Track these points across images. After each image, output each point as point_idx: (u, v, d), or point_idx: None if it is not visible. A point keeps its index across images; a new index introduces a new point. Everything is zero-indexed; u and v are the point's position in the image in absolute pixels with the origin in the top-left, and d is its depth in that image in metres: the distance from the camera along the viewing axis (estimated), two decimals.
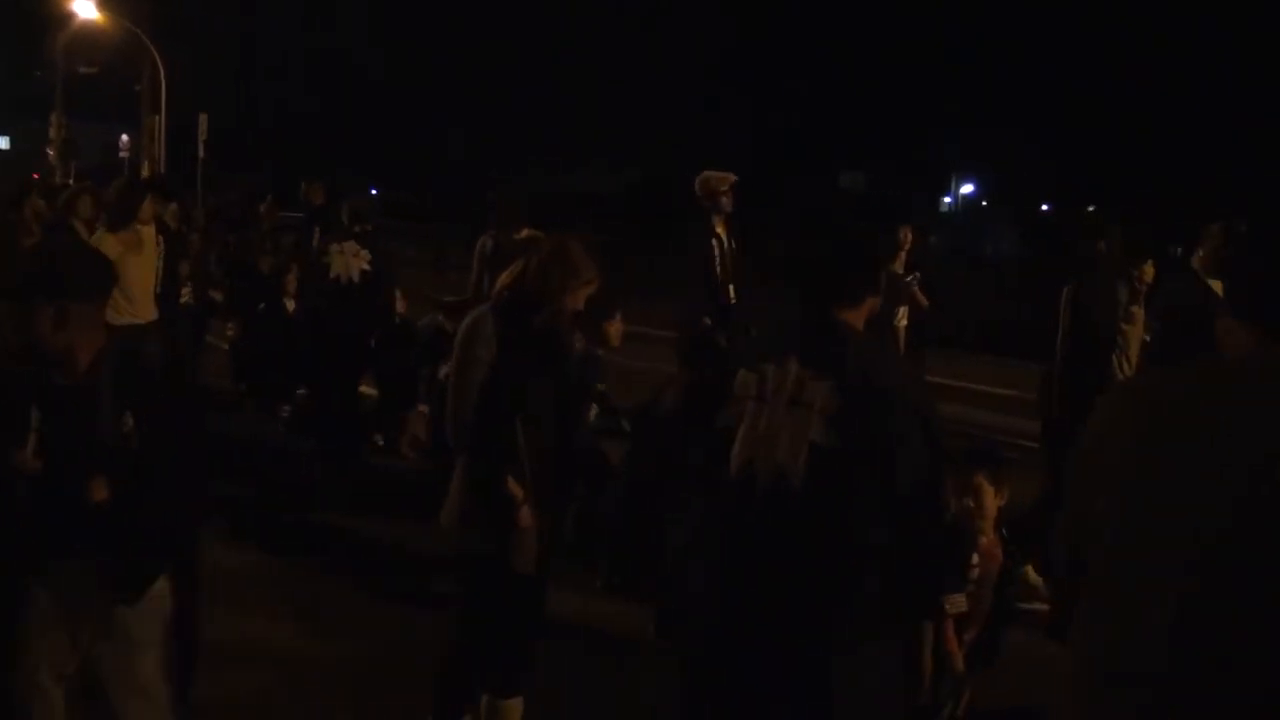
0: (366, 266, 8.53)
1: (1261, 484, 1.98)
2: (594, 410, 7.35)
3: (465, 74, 72.66)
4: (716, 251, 8.51)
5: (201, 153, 32.30)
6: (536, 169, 55.84)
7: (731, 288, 8.57)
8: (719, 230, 8.58)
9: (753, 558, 3.04)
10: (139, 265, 8.27)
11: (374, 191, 36.56)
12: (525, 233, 7.60)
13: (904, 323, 9.26)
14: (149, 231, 8.47)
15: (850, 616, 2.96)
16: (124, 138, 39.60)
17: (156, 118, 34.01)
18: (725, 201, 8.57)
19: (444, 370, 7.32)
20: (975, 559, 4.43)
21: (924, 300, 9.65)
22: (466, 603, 4.29)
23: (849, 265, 3.21)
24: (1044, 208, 72.65)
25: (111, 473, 3.08)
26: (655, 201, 40.94)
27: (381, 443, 9.28)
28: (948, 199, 74.68)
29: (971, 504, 4.51)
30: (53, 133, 40.61)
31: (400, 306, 9.51)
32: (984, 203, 75.79)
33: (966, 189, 75.33)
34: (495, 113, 69.62)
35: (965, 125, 69.02)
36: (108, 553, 3.16)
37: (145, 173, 34.04)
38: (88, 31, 37.58)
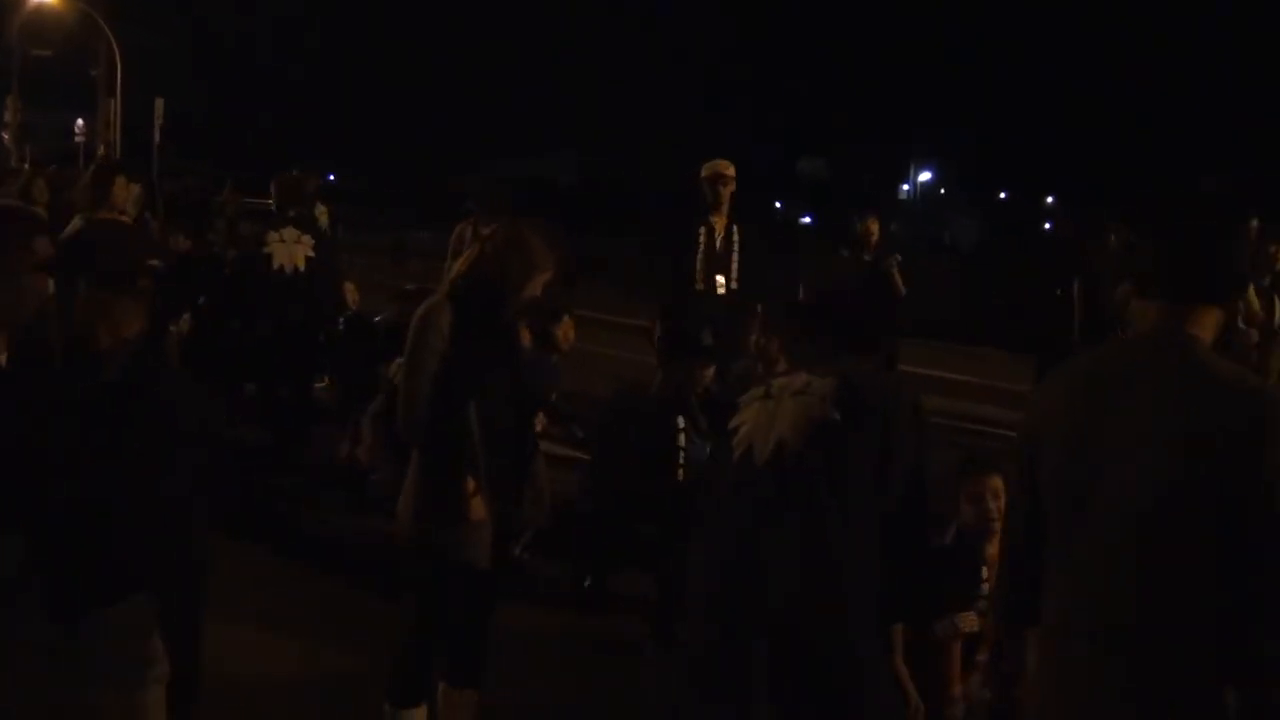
0: (311, 253, 8.03)
1: (1187, 458, 2.17)
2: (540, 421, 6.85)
3: (464, 71, 72.27)
4: (703, 241, 8.30)
5: (157, 138, 31.88)
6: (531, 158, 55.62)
7: (720, 279, 8.29)
8: (713, 220, 8.35)
9: (754, 533, 3.12)
10: None
11: (331, 177, 36.16)
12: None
13: None
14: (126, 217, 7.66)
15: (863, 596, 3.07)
16: (79, 122, 38.90)
17: (112, 102, 33.55)
18: (724, 191, 8.36)
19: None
20: (985, 573, 4.33)
21: (901, 288, 9.58)
22: (421, 595, 4.20)
23: (865, 321, 3.55)
24: (1002, 195, 73.20)
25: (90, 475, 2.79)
26: (615, 190, 40.93)
27: (348, 446, 8.57)
28: (906, 187, 75.04)
29: (992, 507, 4.38)
30: (8, 116, 40.04)
31: (352, 298, 9.14)
32: (942, 190, 76.21)
33: (925, 177, 75.73)
34: (494, 109, 69.26)
35: (925, 113, 69.37)
36: (57, 562, 2.82)
37: (101, 156, 33.62)
38: (42, 14, 37.05)
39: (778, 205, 51.82)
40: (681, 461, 5.52)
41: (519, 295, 4.12)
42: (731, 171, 8.40)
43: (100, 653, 2.83)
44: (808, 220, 46.26)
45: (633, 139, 57.88)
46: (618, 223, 27.69)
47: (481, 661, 4.23)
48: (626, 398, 6.12)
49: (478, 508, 3.98)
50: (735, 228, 8.40)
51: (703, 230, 8.27)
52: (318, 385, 9.19)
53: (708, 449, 4.98)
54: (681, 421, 5.56)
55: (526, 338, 6.18)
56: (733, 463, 3.23)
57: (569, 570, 6.18)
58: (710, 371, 5.74)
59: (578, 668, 5.40)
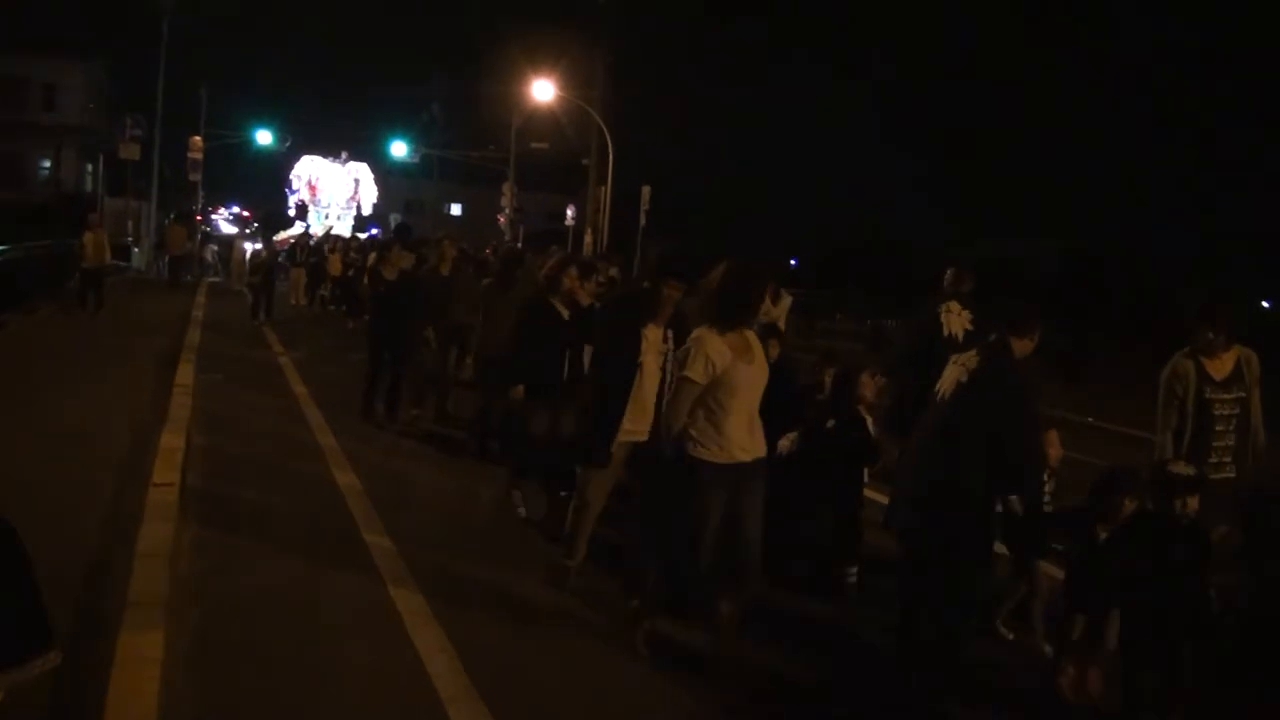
0: (969, 326, 7.72)
1: None
2: None
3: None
4: None
5: (643, 221, 34.05)
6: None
7: None
8: None
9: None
10: (753, 382, 5.42)
11: (794, 263, 36.93)
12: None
13: None
14: (752, 336, 5.61)
15: None
16: (570, 210, 42.32)
17: (603, 189, 36.12)
18: None
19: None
20: None
21: None
22: None
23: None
24: None
25: None
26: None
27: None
28: None
29: None
30: (504, 201, 44.36)
31: None
32: None
33: None
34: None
35: None
36: None
37: (588, 239, 36.55)
38: (540, 111, 40.86)
39: (1265, 305, 47.18)
40: None
41: None
42: None
43: None
44: None
45: (1112, 219, 54.36)
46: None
47: None
48: None
49: None
50: None
51: None
52: None
53: None
54: None
55: None
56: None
57: None
58: None
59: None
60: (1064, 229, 55.37)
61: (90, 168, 45.87)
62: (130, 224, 42.48)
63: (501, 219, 44.33)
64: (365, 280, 15.91)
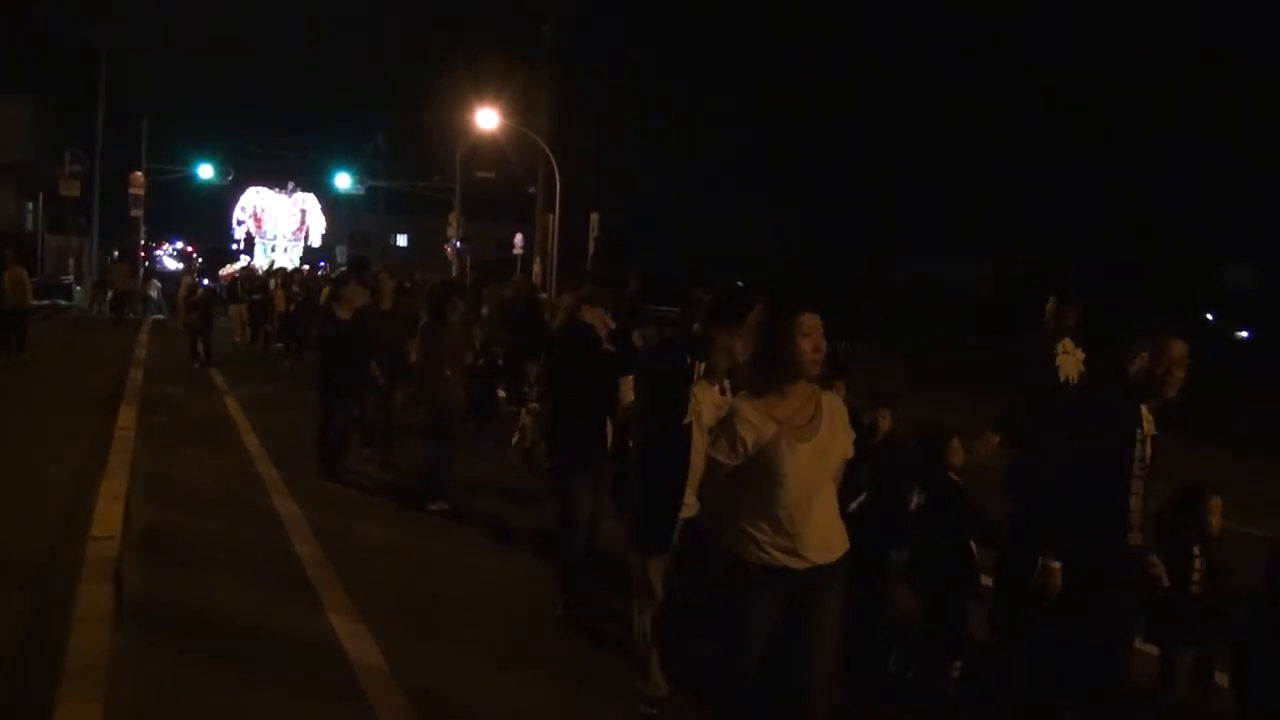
0: (1082, 367, 6.95)
1: None
2: None
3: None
4: None
5: (592, 249, 33.92)
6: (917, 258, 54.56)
7: None
8: None
9: None
10: (814, 461, 4.08)
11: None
12: None
13: None
14: (830, 399, 4.24)
15: None
16: (518, 237, 42.08)
17: (551, 216, 35.96)
18: None
19: None
20: None
21: None
22: None
23: None
24: None
25: None
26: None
27: None
28: None
29: None
30: (450, 231, 44.04)
31: None
32: None
33: None
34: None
35: None
36: None
37: (537, 268, 36.37)
38: (485, 140, 40.63)
39: (1209, 317, 47.27)
40: None
41: None
42: None
43: None
44: (1245, 335, 42.34)
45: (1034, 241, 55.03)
46: None
47: None
48: None
49: None
50: None
51: None
52: None
53: None
54: None
55: None
56: None
57: None
58: None
59: None
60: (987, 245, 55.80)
61: (30, 205, 45.14)
62: (71, 261, 41.82)
63: (448, 249, 44.05)
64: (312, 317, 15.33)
